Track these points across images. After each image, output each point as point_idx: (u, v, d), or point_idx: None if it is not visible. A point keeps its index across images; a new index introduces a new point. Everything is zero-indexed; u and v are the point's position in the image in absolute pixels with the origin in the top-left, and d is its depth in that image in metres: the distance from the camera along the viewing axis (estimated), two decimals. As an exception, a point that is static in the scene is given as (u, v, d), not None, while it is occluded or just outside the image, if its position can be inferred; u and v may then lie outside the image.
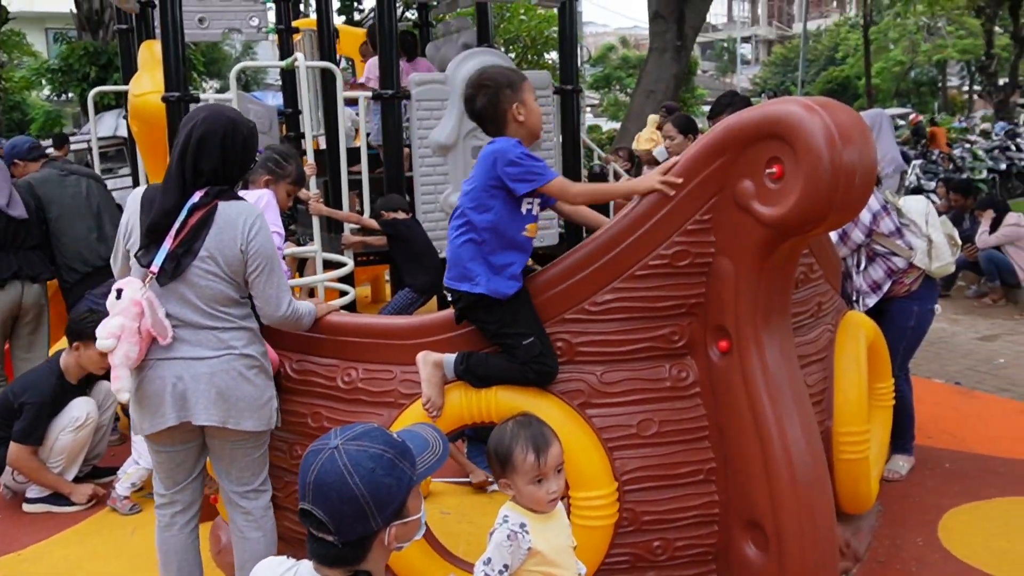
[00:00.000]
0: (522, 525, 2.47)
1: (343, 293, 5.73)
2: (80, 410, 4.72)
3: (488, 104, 3.19)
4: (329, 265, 5.77)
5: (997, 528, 4.13)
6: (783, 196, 2.80)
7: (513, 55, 22.31)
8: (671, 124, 5.70)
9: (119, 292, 2.99)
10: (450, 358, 3.17)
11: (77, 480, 4.79)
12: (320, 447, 1.93)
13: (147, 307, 2.96)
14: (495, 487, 4.58)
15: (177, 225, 3.01)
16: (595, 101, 40.61)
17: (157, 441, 3.15)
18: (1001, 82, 27.96)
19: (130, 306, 2.96)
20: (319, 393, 3.46)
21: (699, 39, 14.52)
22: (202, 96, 6.03)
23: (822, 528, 3.05)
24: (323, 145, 7.01)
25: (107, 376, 4.53)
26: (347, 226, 6.05)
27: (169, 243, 3.01)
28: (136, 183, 7.66)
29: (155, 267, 3.01)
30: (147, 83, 6.37)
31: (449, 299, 3.27)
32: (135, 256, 3.11)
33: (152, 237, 3.04)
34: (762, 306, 3.04)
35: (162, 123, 5.76)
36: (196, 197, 3.04)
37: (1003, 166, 16.76)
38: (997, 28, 28.74)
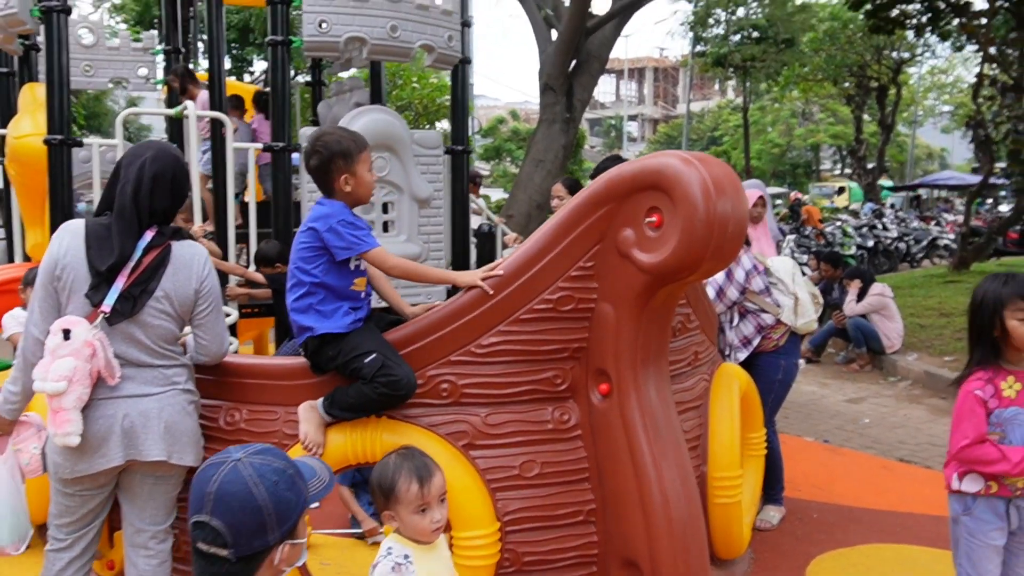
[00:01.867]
0: (406, 556, 2.49)
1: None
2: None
3: (319, 168, 3.30)
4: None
5: (861, 571, 4.32)
6: (662, 243, 2.94)
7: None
8: (560, 184, 5.87)
9: (66, 332, 2.90)
10: (320, 401, 3.22)
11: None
12: (220, 460, 1.92)
13: (99, 347, 2.92)
14: (378, 537, 4.55)
15: (132, 264, 2.99)
16: (485, 172, 41.17)
17: (81, 484, 3.05)
18: (869, 166, 29.60)
19: (82, 347, 2.90)
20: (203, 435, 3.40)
21: (588, 116, 15.07)
22: (86, 141, 5.91)
23: (697, 567, 3.15)
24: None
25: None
26: (232, 278, 5.98)
27: (122, 282, 2.97)
28: (9, 236, 7.39)
29: (107, 307, 2.96)
30: (28, 126, 6.22)
31: (303, 355, 3.33)
32: (86, 295, 2.99)
33: (105, 276, 2.98)
34: (641, 350, 3.16)
35: (42, 166, 5.62)
36: (148, 237, 3.04)
37: (870, 243, 17.76)
38: (865, 116, 30.51)
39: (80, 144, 5.69)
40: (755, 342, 4.76)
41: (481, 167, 39.13)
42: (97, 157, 5.68)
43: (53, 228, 5.10)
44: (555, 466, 3.25)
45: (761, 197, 6.20)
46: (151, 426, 3.03)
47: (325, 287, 3.22)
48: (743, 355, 4.76)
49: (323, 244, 3.19)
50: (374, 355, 3.13)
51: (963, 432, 3.07)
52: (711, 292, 4.61)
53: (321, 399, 3.22)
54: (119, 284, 2.99)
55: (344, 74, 9.50)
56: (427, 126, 23.10)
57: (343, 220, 3.19)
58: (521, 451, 3.24)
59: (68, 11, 5.58)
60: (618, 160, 5.34)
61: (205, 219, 6.08)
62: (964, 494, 3.16)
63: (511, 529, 3.19)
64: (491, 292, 3.17)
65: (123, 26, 21.32)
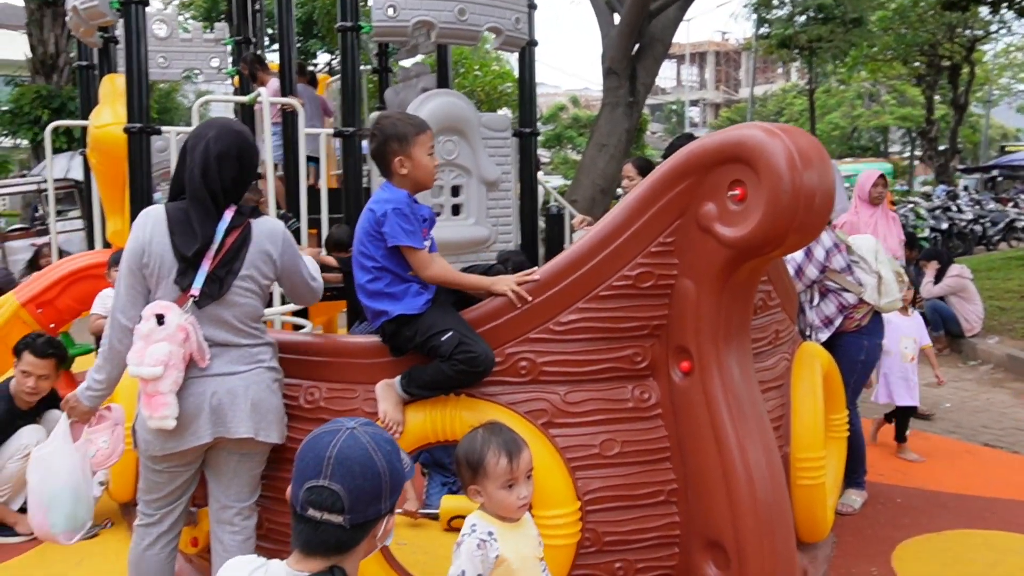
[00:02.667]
0: (490, 533, 2.47)
1: (298, 327, 5.70)
2: (29, 438, 4.62)
3: (376, 151, 3.31)
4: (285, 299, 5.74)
5: (949, 558, 4.20)
6: (745, 217, 2.87)
7: (468, 109, 22.53)
8: (630, 165, 5.80)
9: (160, 318, 2.94)
10: (398, 379, 3.22)
11: (23, 510, 4.67)
12: (333, 428, 1.92)
13: (192, 331, 2.98)
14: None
15: (215, 246, 3.03)
16: (546, 159, 41.06)
17: (170, 461, 3.11)
18: (941, 147, 28.83)
19: (176, 331, 2.94)
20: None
21: (649, 101, 14.85)
22: (164, 129, 6.01)
23: (783, 549, 3.08)
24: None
25: (57, 404, 4.48)
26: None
27: (207, 265, 3.02)
28: (90, 224, 7.56)
29: (195, 290, 3.01)
30: (108, 115, 6.36)
31: (382, 340, 3.33)
32: (174, 281, 3.03)
33: (191, 261, 3.03)
34: (723, 327, 3.09)
35: (122, 154, 5.74)
36: (227, 217, 3.08)
37: (944, 225, 17.30)
38: (936, 97, 29.72)
39: (158, 132, 5.80)
40: (837, 322, 4.66)
41: (542, 154, 39.06)
42: (174, 145, 5.77)
43: (133, 215, 5.22)
44: (635, 445, 3.20)
45: (882, 176, 6.21)
46: (238, 404, 3.06)
47: (389, 271, 3.22)
48: (824, 335, 4.66)
49: (379, 230, 3.20)
50: (451, 332, 3.11)
51: None
52: (790, 270, 4.51)
53: (398, 377, 3.22)
54: (205, 267, 3.02)
55: (409, 61, 9.53)
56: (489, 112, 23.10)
57: (397, 209, 3.18)
58: (601, 430, 3.20)
59: (146, 3, 5.69)
60: (691, 138, 5.25)
61: (278, 207, 6.15)
62: None
63: (592, 508, 3.15)
64: (520, 304, 3.16)
65: (192, 23, 21.67)
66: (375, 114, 6.37)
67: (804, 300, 4.68)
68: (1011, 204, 22.57)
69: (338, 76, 6.91)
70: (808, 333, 4.69)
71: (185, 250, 3.02)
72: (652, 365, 3.23)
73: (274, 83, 7.08)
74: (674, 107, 60.57)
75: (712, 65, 66.71)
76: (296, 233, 6.15)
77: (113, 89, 6.49)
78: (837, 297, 4.66)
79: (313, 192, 6.58)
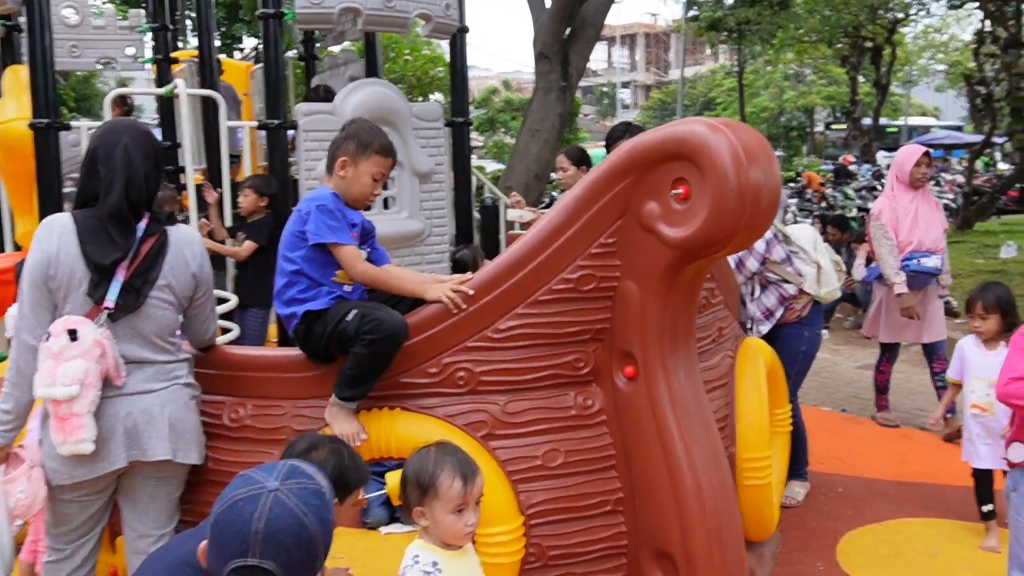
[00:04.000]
0: (434, 563, 2.33)
1: (226, 330, 5.47)
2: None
3: (333, 142, 3.22)
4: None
5: (892, 549, 4.19)
6: (689, 217, 2.76)
7: (398, 95, 22.17)
8: (564, 156, 5.67)
9: (72, 333, 2.72)
10: (333, 395, 3.04)
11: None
12: (254, 492, 1.68)
13: (108, 346, 2.78)
14: (388, 529, 4.40)
15: (130, 255, 2.84)
16: (479, 143, 40.84)
17: (80, 489, 2.88)
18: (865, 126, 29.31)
19: (92, 347, 2.74)
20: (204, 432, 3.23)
21: (580, 84, 14.74)
22: (74, 124, 5.69)
23: (732, 556, 2.99)
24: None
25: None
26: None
27: (122, 275, 2.82)
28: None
29: (109, 302, 2.80)
30: (12, 110, 6.01)
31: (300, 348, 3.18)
32: (86, 293, 2.81)
33: (105, 271, 2.81)
34: (668, 330, 2.98)
35: (28, 151, 5.41)
36: (143, 224, 2.90)
37: (870, 205, 17.52)
38: (860, 77, 30.17)
39: (68, 127, 5.48)
40: (778, 314, 4.60)
41: (475, 139, 38.86)
42: (87, 141, 5.47)
43: (42, 216, 4.91)
44: (580, 454, 3.08)
45: (926, 154, 5.79)
46: (155, 424, 2.88)
47: (305, 275, 3.08)
48: (766, 328, 4.60)
49: (304, 229, 3.06)
50: (353, 311, 2.97)
51: (1012, 366, 2.97)
52: (730, 264, 4.43)
53: (334, 390, 3.04)
54: (120, 277, 2.83)
55: (337, 48, 9.26)
56: (421, 99, 22.79)
57: (323, 206, 3.05)
58: (543, 440, 3.06)
59: (50, -12, 5.35)
60: (630, 127, 5.15)
61: (203, 207, 5.89)
62: (1013, 467, 3.01)
63: (536, 522, 3.02)
64: (456, 311, 3.01)
65: (110, 6, 20.97)
66: (303, 104, 6.13)
67: (745, 293, 4.61)
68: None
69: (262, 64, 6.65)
70: (749, 326, 4.62)
71: (100, 259, 2.80)
72: (595, 371, 3.11)
73: None
74: (605, 89, 60.71)
75: (642, 47, 66.98)
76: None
77: (17, 81, 6.14)
78: (777, 288, 4.60)
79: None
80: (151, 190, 2.94)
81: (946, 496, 4.78)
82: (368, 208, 5.89)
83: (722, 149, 2.66)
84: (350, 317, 2.95)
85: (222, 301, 5.44)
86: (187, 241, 3.01)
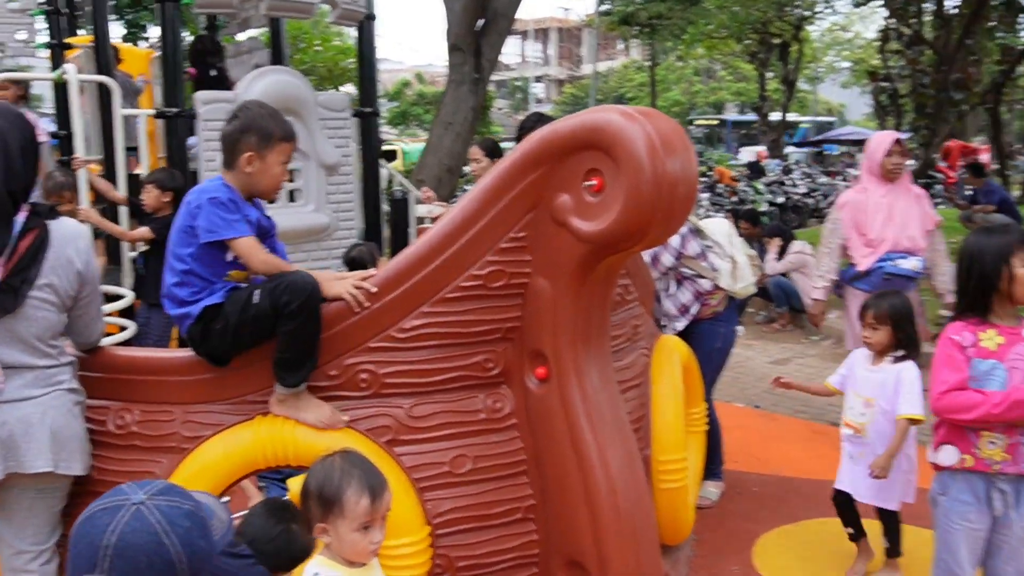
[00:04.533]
0: (337, 582, 2.14)
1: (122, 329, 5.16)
2: None
3: (229, 136, 2.91)
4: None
5: (808, 551, 4.15)
6: (603, 210, 2.62)
7: (308, 85, 21.75)
8: (477, 147, 5.49)
9: None
10: (277, 387, 2.79)
11: None
12: (114, 503, 1.52)
13: None
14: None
15: (7, 253, 2.57)
16: (392, 136, 40.46)
17: None
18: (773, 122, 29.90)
19: None
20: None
21: (493, 77, 14.55)
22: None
23: (647, 561, 2.89)
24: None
25: None
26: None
27: None
28: None
29: None
30: None
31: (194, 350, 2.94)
32: None
33: None
34: (581, 329, 2.85)
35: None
36: (21, 218, 2.63)
37: (781, 199, 17.81)
38: (768, 73, 30.75)
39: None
40: (693, 310, 4.51)
41: (388, 132, 38.48)
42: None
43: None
44: (489, 460, 2.92)
45: (898, 142, 5.09)
46: (33, 433, 2.64)
47: (195, 275, 2.84)
48: (681, 324, 4.50)
49: (195, 224, 2.81)
50: (255, 292, 2.76)
51: (942, 379, 2.86)
52: (645, 258, 4.32)
53: (275, 384, 2.79)
54: None
55: (242, 36, 8.92)
56: (332, 90, 22.38)
57: (215, 199, 2.80)
58: (451, 445, 2.89)
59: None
60: (543, 119, 4.98)
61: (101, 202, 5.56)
62: (941, 470, 2.95)
63: (442, 532, 2.85)
64: (358, 308, 2.81)
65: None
66: (204, 93, 5.83)
67: (660, 289, 4.50)
68: (839, 177, 23.54)
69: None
70: (664, 323, 4.52)
71: None
72: (505, 372, 2.95)
73: None
74: (519, 83, 60.78)
75: (555, 41, 67.22)
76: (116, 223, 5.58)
77: None
78: (693, 284, 4.51)
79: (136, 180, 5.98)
80: (29, 179, 2.70)
81: (858, 491, 4.75)
82: (273, 201, 5.65)
83: (637, 138, 2.53)
84: (257, 298, 2.74)
85: (117, 298, 5.13)
86: (70, 236, 2.76)
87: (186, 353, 2.95)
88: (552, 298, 2.81)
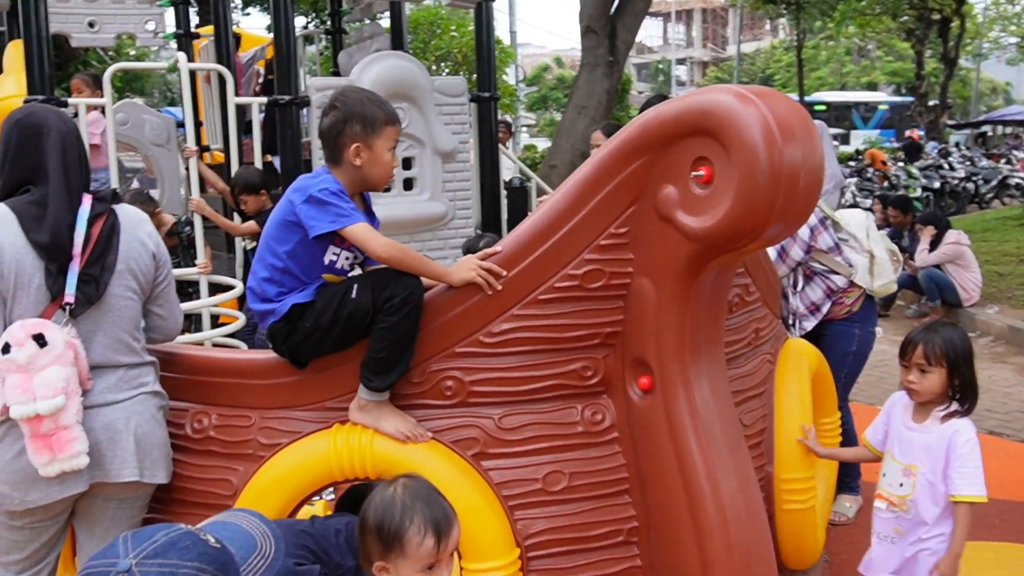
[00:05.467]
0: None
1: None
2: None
3: (330, 129, 2.67)
4: (217, 288, 5.19)
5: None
6: (713, 204, 2.33)
7: (446, 71, 21.86)
8: (600, 132, 5.20)
9: (39, 337, 2.40)
10: (360, 392, 2.62)
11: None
12: (102, 570, 1.33)
13: (79, 348, 2.48)
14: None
15: (80, 241, 2.52)
16: (531, 121, 40.49)
17: (33, 515, 2.56)
18: (932, 103, 28.28)
19: (65, 350, 2.44)
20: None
21: (635, 60, 14.22)
22: (70, 101, 5.39)
23: (763, 599, 2.57)
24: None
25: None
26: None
27: (77, 264, 2.50)
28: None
29: (69, 295, 2.49)
30: (11, 86, 5.75)
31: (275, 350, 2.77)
32: (47, 287, 2.49)
33: (56, 259, 2.49)
34: (690, 336, 2.55)
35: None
36: (86, 206, 2.57)
37: (936, 184, 16.73)
38: (926, 51, 29.09)
39: (64, 105, 5.19)
40: (824, 308, 4.11)
41: (527, 117, 38.51)
42: (84, 118, 5.17)
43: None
44: (587, 477, 2.66)
45: None
46: (120, 441, 2.56)
47: (289, 273, 2.64)
48: (811, 324, 4.12)
49: (297, 219, 2.59)
50: (355, 286, 2.57)
51: None
52: (772, 253, 3.96)
53: (360, 389, 2.61)
54: (74, 267, 2.49)
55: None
56: (469, 76, 22.41)
57: (324, 189, 2.58)
58: (545, 459, 2.65)
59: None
60: (664, 99, 4.67)
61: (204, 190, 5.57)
62: None
63: (535, 555, 2.62)
64: (491, 291, 2.57)
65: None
66: (317, 79, 5.77)
67: (787, 285, 4.13)
68: (1003, 160, 22.04)
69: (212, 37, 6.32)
70: (792, 322, 4.15)
71: (54, 244, 2.49)
72: (605, 381, 2.69)
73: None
74: (661, 66, 59.80)
75: (699, 22, 65.84)
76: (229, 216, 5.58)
77: (19, 56, 5.87)
78: (824, 280, 4.11)
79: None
80: (86, 171, 2.65)
81: (1017, 515, 4.26)
82: (388, 190, 5.52)
83: (751, 123, 2.22)
84: (355, 293, 2.56)
85: (226, 288, 5.11)
86: (138, 220, 2.73)
87: (266, 355, 2.81)
88: (656, 301, 2.53)
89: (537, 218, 2.60)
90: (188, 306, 4.98)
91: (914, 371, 2.89)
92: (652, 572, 2.69)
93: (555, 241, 2.56)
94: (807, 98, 31.03)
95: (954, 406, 2.87)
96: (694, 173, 2.37)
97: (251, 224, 5.06)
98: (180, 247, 5.11)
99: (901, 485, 2.93)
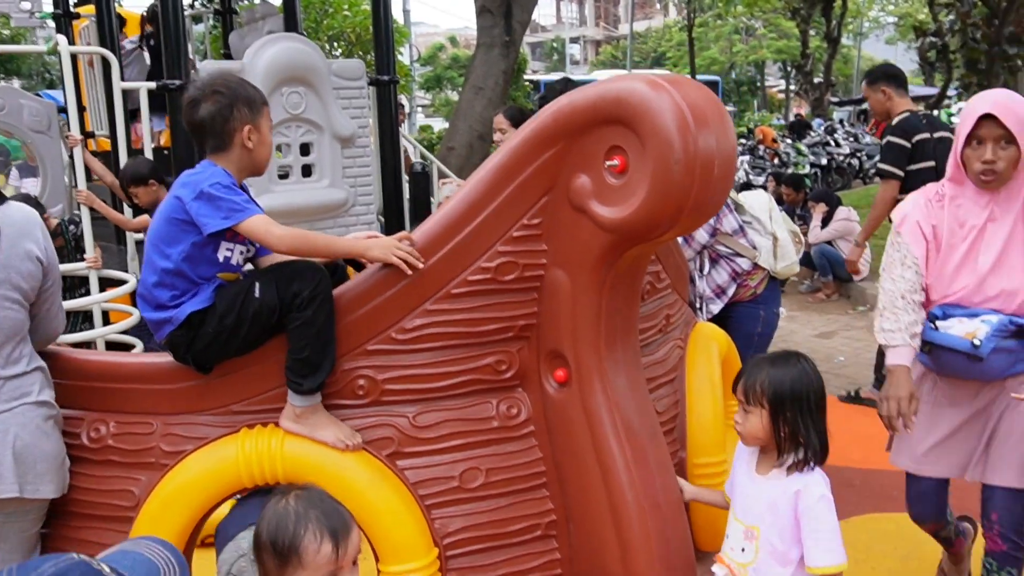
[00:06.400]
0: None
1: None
2: None
3: (216, 116, 2.52)
4: (108, 283, 4.95)
5: (860, 551, 3.80)
6: (627, 194, 2.29)
7: (339, 52, 21.46)
8: (502, 116, 5.11)
9: None
10: (292, 399, 2.50)
11: None
12: None
13: None
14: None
15: None
16: (426, 101, 40.15)
17: None
18: (816, 80, 29.06)
19: None
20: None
21: (529, 39, 14.20)
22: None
23: (682, 582, 2.58)
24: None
25: None
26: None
27: None
28: None
29: None
30: None
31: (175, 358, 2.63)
32: None
33: None
34: (605, 327, 2.53)
35: None
36: None
37: (824, 161, 17.24)
38: (811, 30, 29.85)
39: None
40: (730, 291, 4.15)
41: (422, 97, 38.17)
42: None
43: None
44: (504, 472, 2.63)
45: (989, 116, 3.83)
46: None
47: (182, 276, 2.50)
48: (717, 307, 4.15)
49: (188, 218, 2.45)
50: (256, 284, 2.46)
51: None
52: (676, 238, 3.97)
53: (289, 394, 2.49)
54: None
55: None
56: (363, 56, 22.03)
57: (218, 184, 2.45)
58: (461, 456, 2.61)
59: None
60: (569, 83, 4.62)
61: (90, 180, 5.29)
62: None
63: (453, 553, 2.57)
64: (411, 271, 2.48)
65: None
66: (209, 63, 5.54)
67: (693, 269, 4.15)
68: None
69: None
70: (699, 305, 4.17)
71: None
72: (520, 374, 2.65)
73: None
74: (554, 44, 59.98)
75: (591, 1, 66.18)
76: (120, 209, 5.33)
77: None
78: (730, 263, 4.15)
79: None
80: None
81: (913, 482, 4.40)
82: (286, 176, 5.34)
83: (665, 111, 2.19)
84: (258, 292, 2.43)
85: (118, 283, 4.89)
86: (24, 222, 2.48)
87: (166, 357, 2.67)
88: (571, 293, 2.50)
89: (448, 210, 2.53)
90: (78, 303, 4.77)
91: (739, 409, 2.38)
92: (572, 565, 2.67)
93: (467, 233, 2.50)
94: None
95: (801, 454, 2.30)
96: (608, 163, 2.33)
97: (144, 218, 4.83)
98: (67, 247, 4.86)
99: (743, 550, 2.41)
